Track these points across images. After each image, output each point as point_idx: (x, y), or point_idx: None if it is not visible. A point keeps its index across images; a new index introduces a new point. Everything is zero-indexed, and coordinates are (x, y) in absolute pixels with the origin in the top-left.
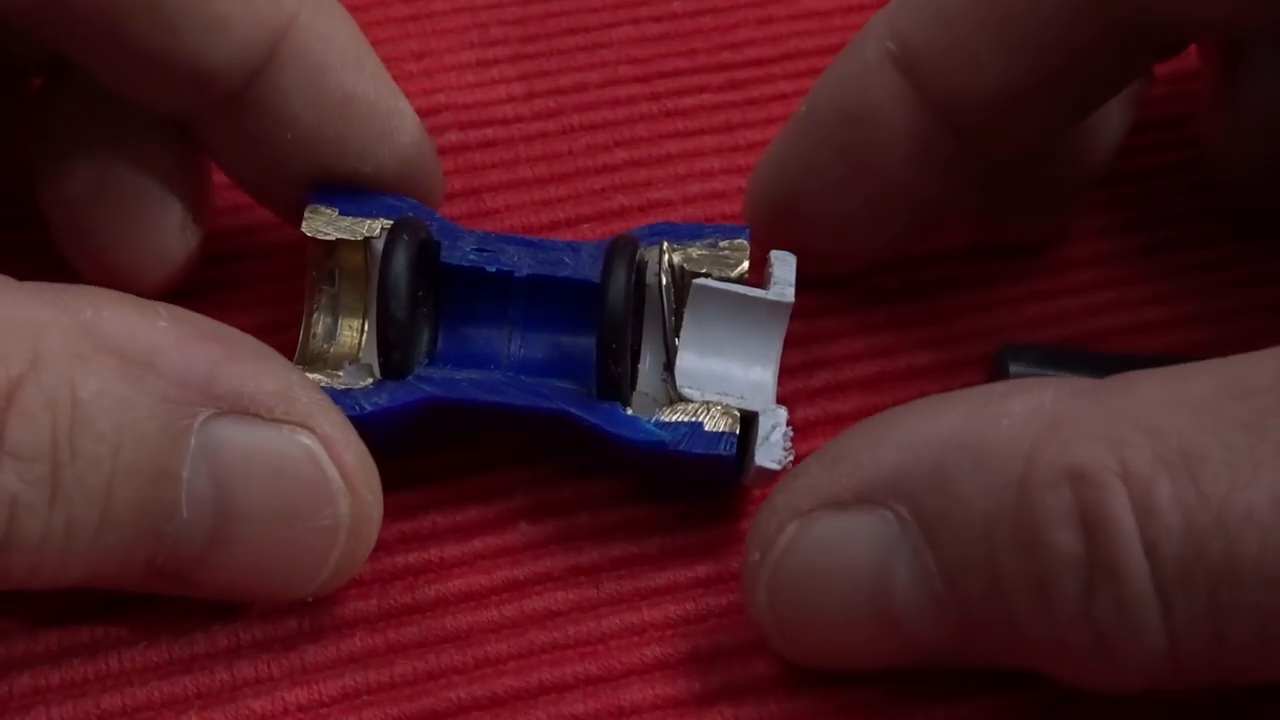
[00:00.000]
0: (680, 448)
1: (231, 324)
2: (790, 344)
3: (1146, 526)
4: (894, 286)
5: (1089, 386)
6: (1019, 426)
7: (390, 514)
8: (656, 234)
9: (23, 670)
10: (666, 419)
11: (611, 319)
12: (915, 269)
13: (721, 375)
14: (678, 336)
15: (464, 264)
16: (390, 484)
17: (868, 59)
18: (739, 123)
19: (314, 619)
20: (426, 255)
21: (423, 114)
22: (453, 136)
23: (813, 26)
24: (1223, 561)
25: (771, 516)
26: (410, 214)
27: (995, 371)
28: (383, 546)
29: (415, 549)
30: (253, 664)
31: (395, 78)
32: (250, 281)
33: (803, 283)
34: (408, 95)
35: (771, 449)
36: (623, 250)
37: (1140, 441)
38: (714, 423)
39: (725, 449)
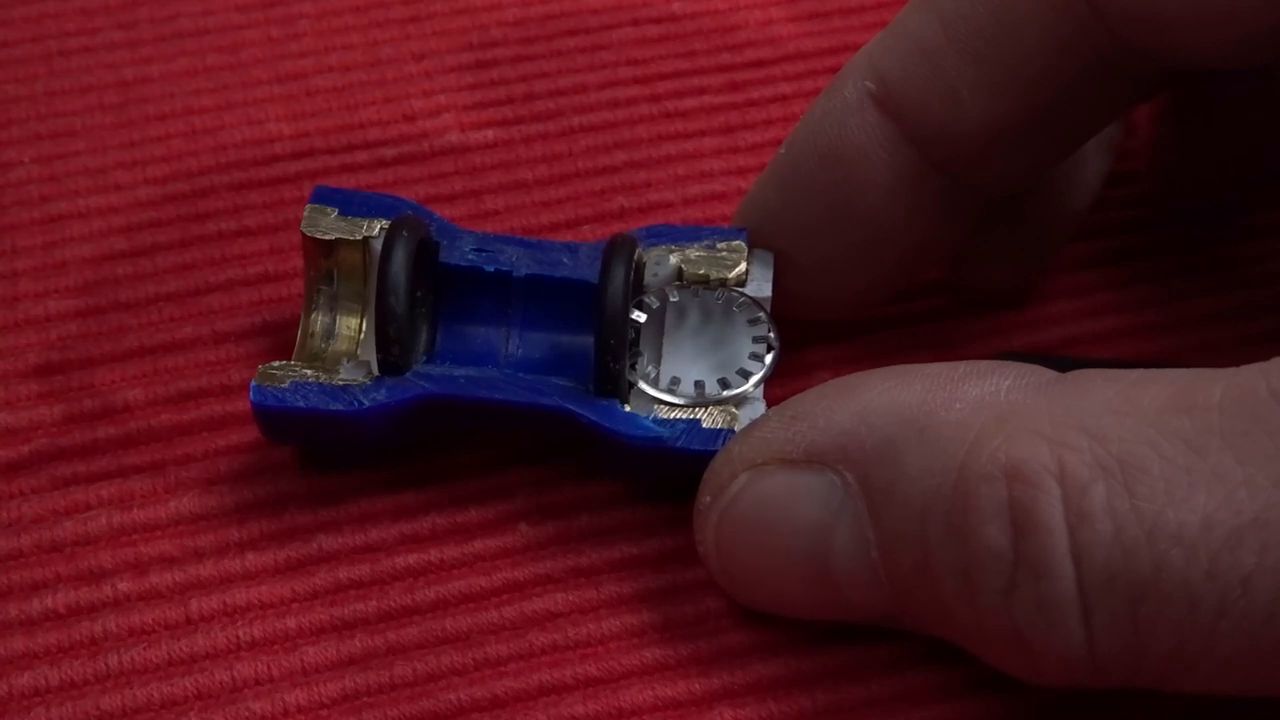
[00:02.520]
0: (678, 444)
1: (231, 324)
2: (784, 348)
3: (1077, 531)
4: (876, 317)
5: (1046, 380)
6: (969, 412)
7: (390, 515)
8: (654, 236)
9: (23, 670)
10: (664, 416)
11: (610, 316)
12: (898, 301)
13: (709, 373)
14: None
15: (462, 264)
16: (390, 485)
17: (846, 98)
18: (739, 124)
19: (314, 619)
20: (425, 254)
21: (423, 115)
22: (453, 137)
23: (813, 28)
24: (1149, 575)
25: (726, 464)
26: (409, 214)
27: None
28: (382, 547)
29: (415, 550)
30: (253, 664)
31: (396, 79)
32: (250, 281)
33: (788, 323)
34: (408, 97)
35: None
36: (621, 248)
37: (1082, 444)
38: (711, 420)
39: (722, 444)
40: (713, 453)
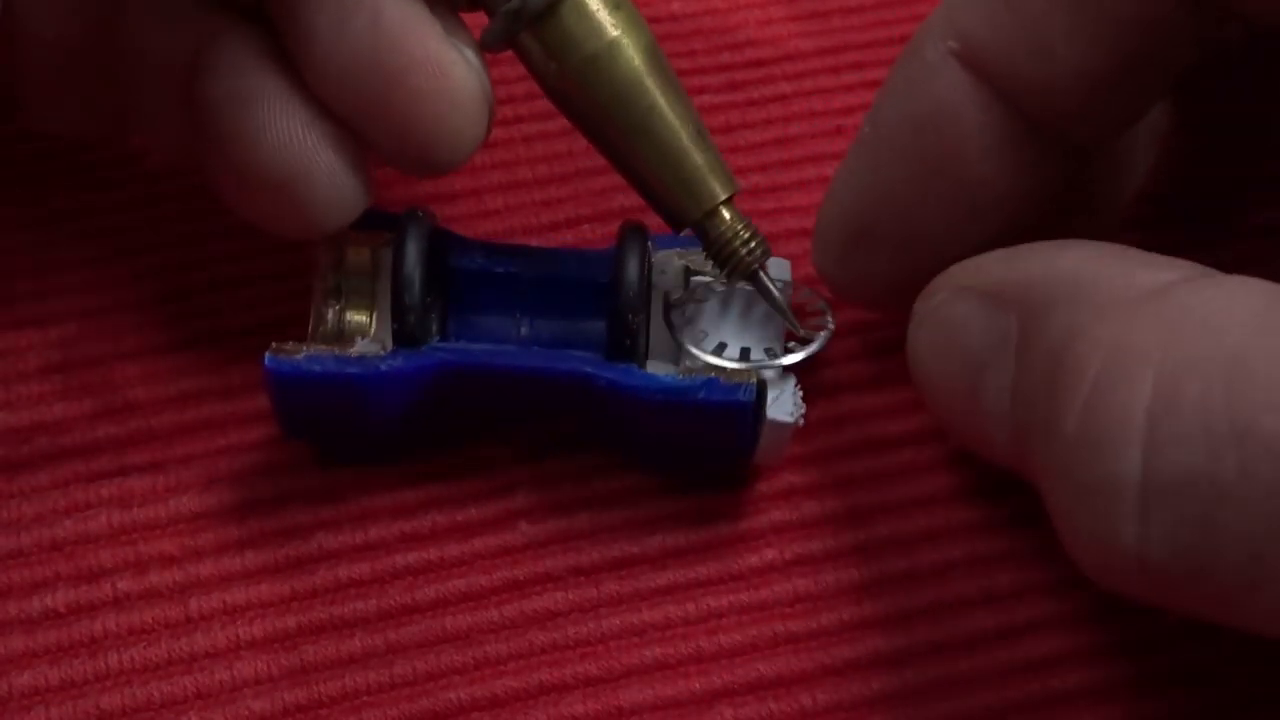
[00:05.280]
0: (699, 396)
1: (231, 324)
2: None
3: (1159, 422)
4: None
5: (1203, 275)
6: (1122, 289)
7: (390, 513)
8: (660, 244)
9: (23, 670)
10: (682, 376)
11: (627, 287)
12: None
13: (756, 343)
14: (683, 336)
15: (472, 266)
16: (390, 484)
17: (929, 61)
18: (739, 123)
19: (314, 618)
20: (437, 246)
21: None
22: None
23: (813, 28)
24: (1232, 480)
25: (940, 280)
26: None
27: None
28: (382, 546)
29: (415, 549)
30: (253, 664)
31: None
32: (250, 281)
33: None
34: None
35: (783, 403)
36: (635, 232)
37: (1194, 339)
38: (731, 377)
39: (744, 395)
40: (734, 403)
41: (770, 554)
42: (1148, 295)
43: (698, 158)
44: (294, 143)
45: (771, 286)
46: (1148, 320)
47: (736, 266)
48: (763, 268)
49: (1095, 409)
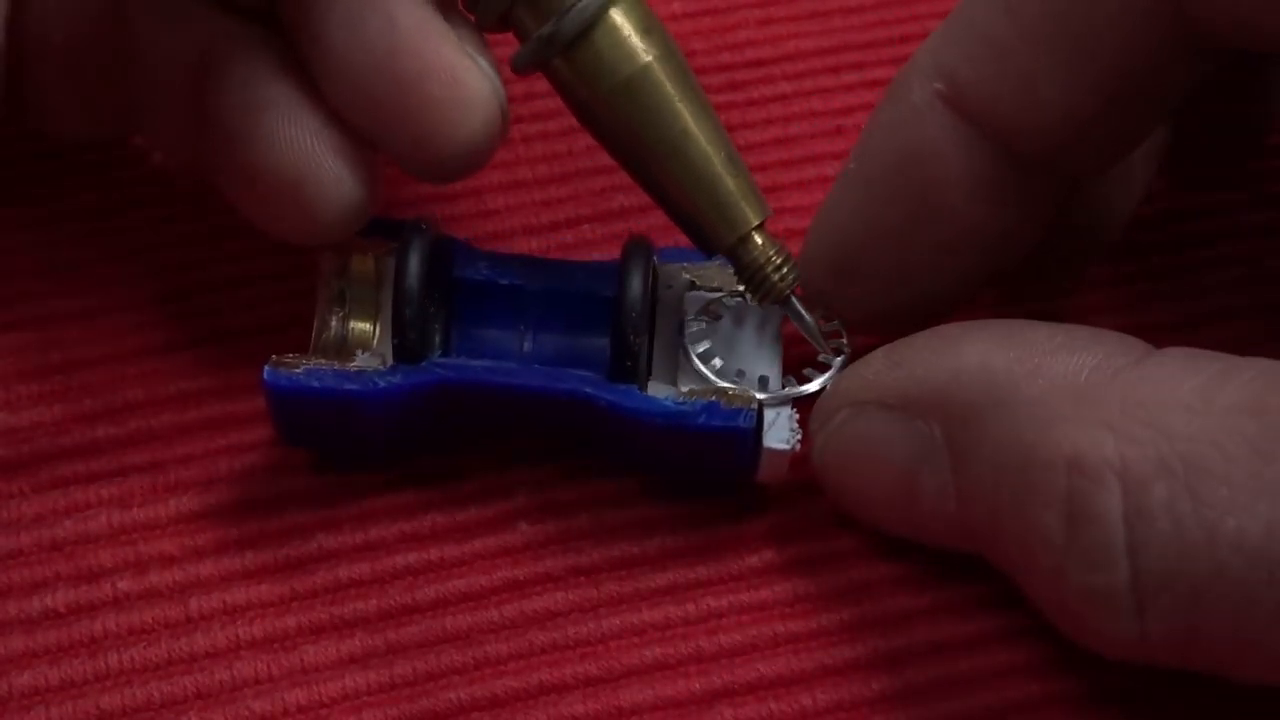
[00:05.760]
0: (699, 421)
1: (231, 324)
2: (788, 344)
3: (1135, 527)
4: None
5: (1133, 361)
6: (1048, 390)
7: (390, 514)
8: (665, 257)
9: (23, 670)
10: (682, 399)
11: (630, 307)
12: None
13: (727, 378)
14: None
15: (476, 277)
16: (390, 484)
17: (915, 102)
18: (739, 123)
19: (314, 618)
20: (440, 257)
21: None
22: None
23: (812, 28)
24: (1207, 578)
25: (833, 396)
26: (424, 220)
27: None
28: (382, 546)
29: (415, 549)
30: (253, 664)
31: None
32: (250, 281)
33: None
34: None
35: (778, 431)
36: (640, 248)
37: (1147, 440)
38: (730, 402)
39: (744, 421)
40: (732, 429)
41: (770, 554)
42: (1080, 393)
43: (730, 183)
44: (302, 150)
45: (804, 312)
46: (1093, 425)
47: (770, 292)
48: (795, 292)
49: (1076, 524)
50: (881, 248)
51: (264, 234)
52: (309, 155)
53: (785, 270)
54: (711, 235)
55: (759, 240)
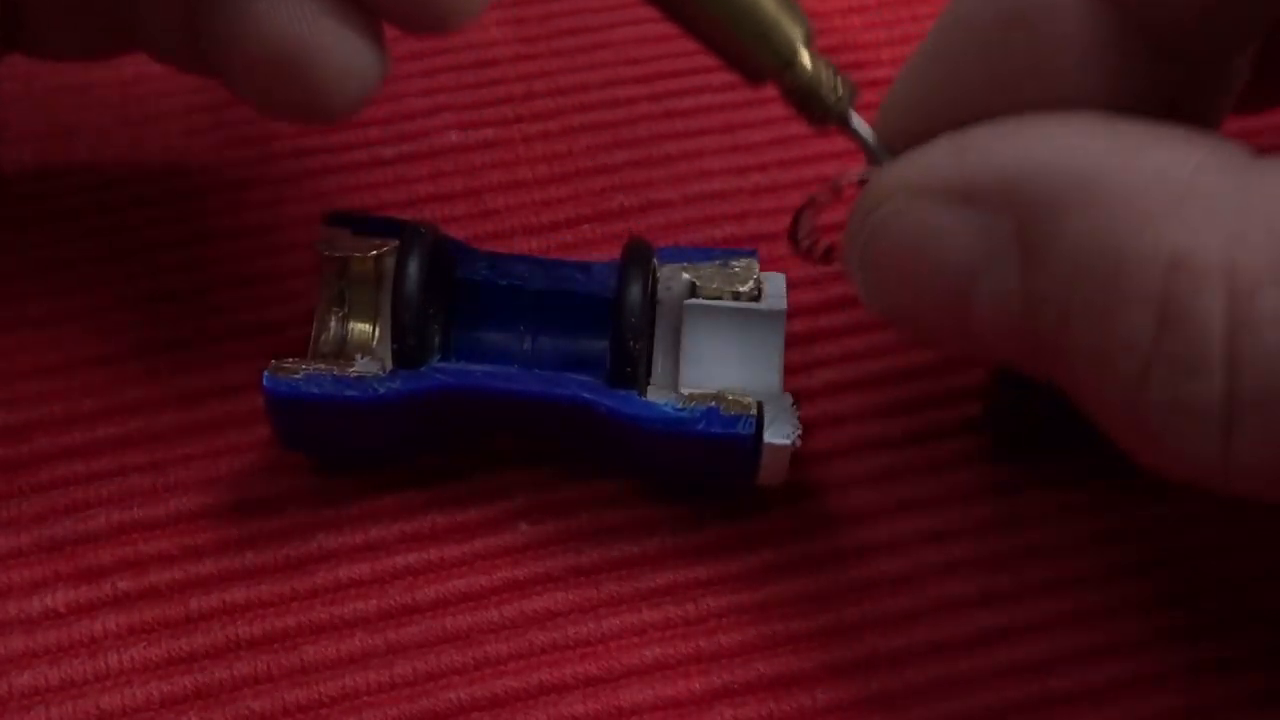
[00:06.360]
0: (699, 428)
1: (231, 323)
2: (789, 343)
3: (1237, 336)
4: None
5: (1244, 162)
6: (1148, 182)
7: (390, 514)
8: (666, 257)
9: (23, 670)
10: (683, 404)
11: (629, 312)
12: None
13: (727, 384)
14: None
15: (476, 278)
16: (390, 484)
17: None
18: (739, 123)
19: (314, 618)
20: (440, 263)
21: (423, 114)
22: (453, 136)
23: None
24: None
25: (885, 184)
26: (425, 223)
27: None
28: (383, 546)
29: (415, 549)
30: (253, 664)
31: (395, 78)
32: (250, 281)
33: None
34: (407, 96)
35: (780, 426)
36: (639, 252)
37: (1260, 243)
38: (729, 408)
39: (744, 428)
40: (732, 436)
41: (770, 554)
42: (1185, 188)
43: (769, 4)
44: (302, 13)
45: (863, 128)
46: (1200, 222)
47: (826, 113)
48: (852, 105)
49: (1169, 327)
50: (971, 113)
51: (275, 115)
52: (310, 19)
53: (838, 86)
54: (757, 65)
55: (806, 62)
